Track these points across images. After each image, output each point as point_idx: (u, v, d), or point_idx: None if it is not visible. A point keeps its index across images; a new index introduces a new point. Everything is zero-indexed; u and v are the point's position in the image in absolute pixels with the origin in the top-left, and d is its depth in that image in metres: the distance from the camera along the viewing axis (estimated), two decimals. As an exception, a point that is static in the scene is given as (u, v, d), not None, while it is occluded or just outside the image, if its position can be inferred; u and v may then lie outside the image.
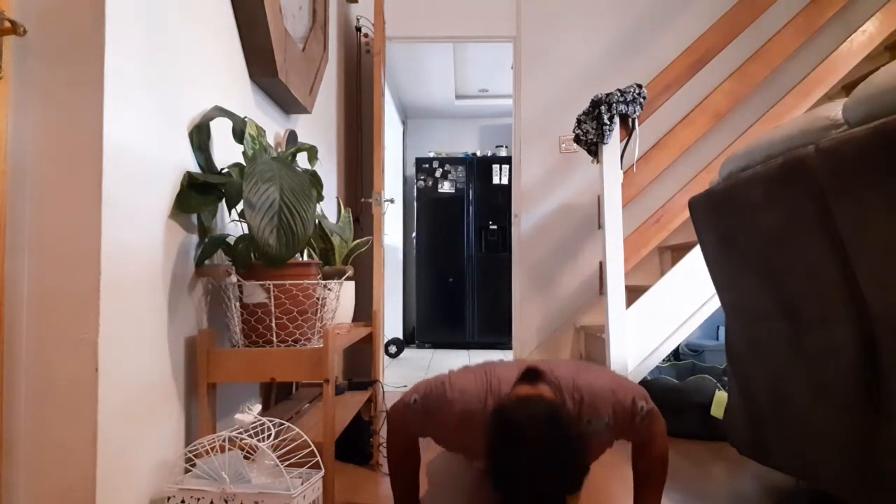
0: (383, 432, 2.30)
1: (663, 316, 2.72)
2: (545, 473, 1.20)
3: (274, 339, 1.56)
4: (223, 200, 1.58)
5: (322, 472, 1.45)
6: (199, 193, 1.53)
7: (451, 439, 1.50)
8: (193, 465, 1.37)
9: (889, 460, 1.24)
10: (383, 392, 2.40)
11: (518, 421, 1.24)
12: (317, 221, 1.72)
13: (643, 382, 2.73)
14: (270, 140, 2.21)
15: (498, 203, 5.92)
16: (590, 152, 2.83)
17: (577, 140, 2.84)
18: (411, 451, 1.58)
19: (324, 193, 2.16)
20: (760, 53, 2.97)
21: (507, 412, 1.29)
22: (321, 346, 1.56)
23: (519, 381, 1.42)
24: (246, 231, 1.56)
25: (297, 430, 1.47)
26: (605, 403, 1.41)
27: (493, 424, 1.29)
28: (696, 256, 2.73)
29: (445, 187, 6.04)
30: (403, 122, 6.57)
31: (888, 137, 1.12)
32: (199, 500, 1.30)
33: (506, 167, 5.95)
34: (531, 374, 1.44)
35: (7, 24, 1.13)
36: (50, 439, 1.18)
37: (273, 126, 2.28)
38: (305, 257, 2.20)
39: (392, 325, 5.75)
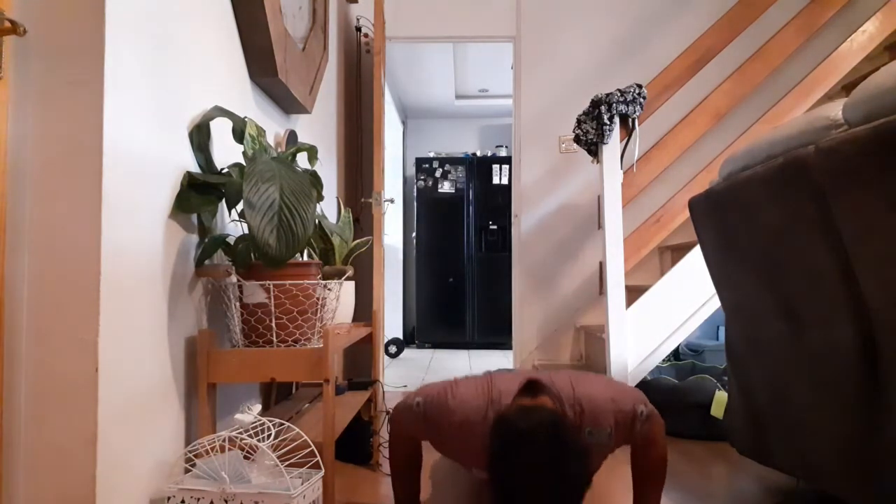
0: (383, 432, 2.31)
1: (663, 316, 2.72)
2: (546, 484, 1.20)
3: (274, 339, 1.56)
4: (223, 200, 1.58)
5: (322, 472, 1.45)
6: (199, 193, 1.53)
7: (450, 447, 1.50)
8: (193, 465, 1.37)
9: (889, 460, 1.24)
10: (383, 392, 2.40)
11: (519, 430, 1.24)
12: (317, 221, 1.72)
13: (643, 382, 2.73)
14: (270, 140, 2.21)
15: (498, 203, 5.92)
16: (590, 152, 2.83)
17: (577, 140, 2.84)
18: (414, 452, 1.58)
19: (324, 193, 2.16)
20: (760, 53, 2.97)
21: (508, 421, 1.28)
22: (321, 346, 1.56)
23: (520, 393, 1.42)
24: (246, 231, 1.56)
25: (297, 430, 1.47)
26: (606, 413, 1.41)
27: (494, 433, 1.28)
28: (696, 256, 2.72)
29: (445, 187, 6.04)
30: (403, 122, 6.57)
31: (888, 137, 1.12)
32: (198, 500, 1.30)
33: (506, 167, 5.95)
34: (532, 386, 1.44)
35: (7, 24, 1.13)
36: (50, 439, 1.18)
37: (273, 126, 2.28)
38: (305, 257, 2.20)
39: (392, 325, 5.75)
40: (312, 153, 1.89)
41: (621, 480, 2.02)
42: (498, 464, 1.25)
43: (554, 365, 3.57)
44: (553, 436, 1.23)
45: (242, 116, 1.63)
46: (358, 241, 2.38)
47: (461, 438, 1.43)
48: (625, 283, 2.69)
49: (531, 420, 1.26)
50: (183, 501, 1.31)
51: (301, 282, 1.57)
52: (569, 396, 1.42)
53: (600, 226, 3.69)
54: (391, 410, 1.57)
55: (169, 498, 1.32)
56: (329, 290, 1.76)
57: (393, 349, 5.22)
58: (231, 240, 1.61)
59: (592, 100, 2.75)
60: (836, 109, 1.34)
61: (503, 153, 6.15)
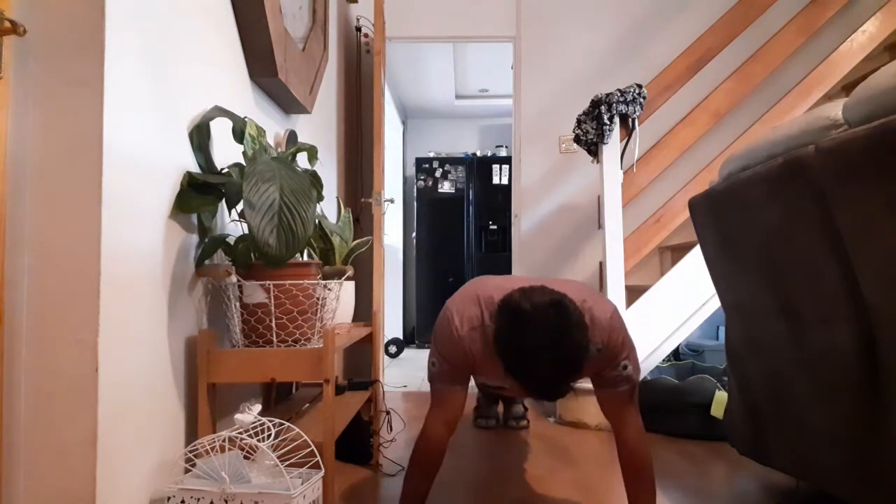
0: (383, 432, 2.31)
1: (663, 316, 2.72)
2: (549, 354, 1.28)
3: (274, 339, 1.56)
4: (223, 200, 1.58)
5: (322, 472, 1.45)
6: (199, 193, 1.53)
7: (471, 359, 1.54)
8: (193, 465, 1.37)
9: (889, 460, 1.24)
10: (383, 392, 2.40)
11: (524, 307, 1.33)
12: (317, 221, 1.72)
13: (643, 382, 2.73)
14: (270, 140, 2.21)
15: (498, 203, 5.92)
16: (590, 152, 2.83)
17: (577, 140, 2.84)
18: (440, 447, 1.59)
19: (324, 193, 2.16)
20: (760, 53, 2.97)
21: (513, 300, 1.37)
22: (321, 346, 1.56)
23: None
24: (246, 231, 1.56)
25: (297, 430, 1.47)
26: (601, 334, 1.47)
27: (501, 313, 1.37)
28: (696, 256, 2.72)
29: (445, 187, 6.04)
30: (403, 122, 6.57)
31: (888, 137, 1.12)
32: (199, 500, 1.30)
33: (506, 167, 5.95)
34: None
35: (7, 24, 1.13)
36: (50, 439, 1.17)
37: (273, 126, 2.28)
38: (305, 257, 2.20)
39: (392, 325, 5.75)
40: (312, 153, 1.89)
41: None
42: (505, 337, 1.34)
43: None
44: (556, 311, 1.31)
45: (242, 116, 1.63)
46: (358, 241, 2.38)
47: (474, 346, 1.50)
48: (625, 283, 2.69)
49: (535, 299, 1.34)
50: (183, 501, 1.31)
51: (301, 282, 1.57)
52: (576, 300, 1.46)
53: (600, 226, 3.69)
54: (431, 400, 1.61)
55: (169, 498, 1.32)
56: (329, 290, 1.76)
57: (393, 349, 5.22)
58: (231, 240, 1.61)
59: (592, 100, 2.75)
60: (836, 109, 1.34)
61: (503, 153, 6.14)
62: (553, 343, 1.29)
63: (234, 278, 1.57)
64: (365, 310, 2.94)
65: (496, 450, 2.40)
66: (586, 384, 2.69)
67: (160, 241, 1.42)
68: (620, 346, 1.51)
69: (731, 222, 1.68)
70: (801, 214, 1.38)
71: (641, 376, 2.70)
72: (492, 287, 1.54)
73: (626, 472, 1.57)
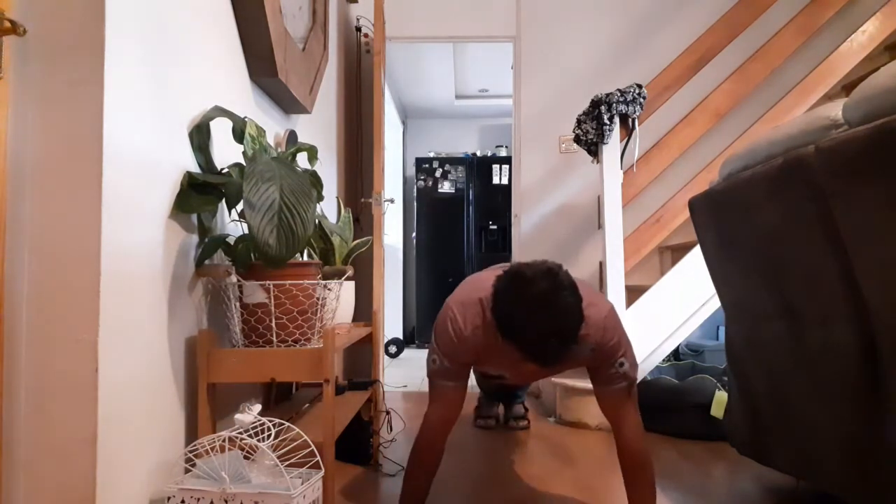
0: (383, 432, 2.31)
1: (663, 316, 2.72)
2: (547, 314, 1.31)
3: (274, 339, 1.56)
4: (223, 200, 1.58)
5: (322, 472, 1.45)
6: (199, 193, 1.53)
7: (476, 353, 1.56)
8: (193, 465, 1.37)
9: (889, 460, 1.24)
10: (383, 392, 2.40)
11: (521, 274, 1.37)
12: (317, 221, 1.72)
13: (643, 382, 2.73)
14: (270, 140, 2.21)
15: (498, 203, 5.92)
16: (590, 152, 2.83)
17: (577, 140, 2.84)
18: (439, 446, 1.61)
19: (324, 193, 2.16)
20: (760, 53, 2.97)
21: (510, 270, 1.41)
22: (321, 346, 1.56)
23: None
24: (246, 231, 1.56)
25: (297, 430, 1.47)
26: (595, 332, 1.48)
27: (498, 285, 1.41)
28: (696, 256, 2.72)
29: (445, 187, 6.03)
30: (403, 122, 6.57)
31: (888, 137, 1.12)
32: (199, 500, 1.30)
33: (506, 167, 5.95)
34: None
35: (7, 24, 1.13)
36: (50, 439, 1.17)
37: (273, 126, 2.28)
38: (305, 257, 2.19)
39: (392, 325, 5.75)
40: (312, 153, 1.89)
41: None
42: (502, 301, 1.38)
43: (554, 365, 3.56)
44: (551, 278, 1.35)
45: (242, 116, 1.63)
46: (358, 241, 2.38)
47: (478, 340, 1.52)
48: (625, 283, 2.69)
49: (531, 267, 1.39)
50: (183, 501, 1.31)
51: (301, 282, 1.57)
52: None
53: (600, 226, 3.69)
54: (429, 398, 1.62)
55: (169, 498, 1.31)
56: (329, 290, 1.76)
57: (393, 349, 5.22)
58: (231, 240, 1.61)
59: (592, 100, 2.75)
60: (836, 109, 1.34)
61: (503, 153, 6.14)
62: (548, 298, 1.33)
63: (234, 278, 1.57)
64: (365, 310, 2.94)
65: (496, 450, 2.40)
66: (586, 384, 2.70)
67: (160, 241, 1.42)
68: (616, 344, 1.52)
69: (731, 222, 1.68)
70: (801, 214, 1.38)
71: (641, 376, 2.70)
72: (490, 283, 1.54)
73: (626, 469, 1.57)
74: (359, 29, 3.84)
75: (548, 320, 1.32)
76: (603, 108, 2.70)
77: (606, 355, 1.52)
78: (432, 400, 1.61)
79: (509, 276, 1.40)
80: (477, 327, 1.52)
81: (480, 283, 1.58)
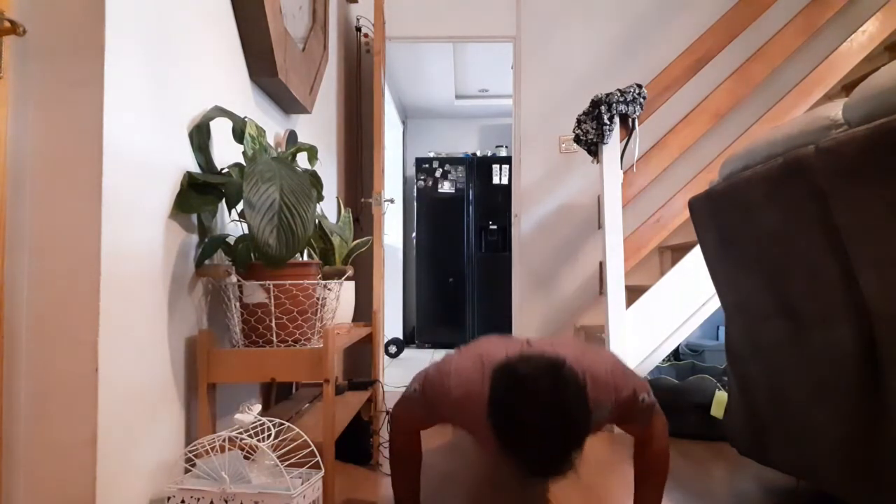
0: (383, 432, 2.31)
1: (663, 316, 2.72)
2: (548, 427, 1.16)
3: (274, 339, 1.56)
4: (223, 200, 1.58)
5: (322, 472, 1.45)
6: (199, 193, 1.53)
7: (458, 422, 1.49)
8: (193, 465, 1.37)
9: (889, 460, 1.24)
10: (383, 392, 2.40)
11: (521, 373, 1.21)
12: (317, 221, 1.72)
13: (643, 382, 2.73)
14: (270, 140, 2.21)
15: (498, 203, 5.92)
16: (590, 152, 2.83)
17: (577, 140, 2.84)
18: (413, 450, 1.58)
19: (324, 193, 2.16)
20: (760, 53, 2.97)
21: (510, 366, 1.24)
22: (321, 346, 1.56)
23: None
24: (246, 231, 1.56)
25: (297, 430, 1.47)
26: (607, 391, 1.39)
27: (495, 380, 1.24)
28: (696, 256, 2.73)
29: (445, 187, 6.03)
30: (403, 122, 6.57)
31: (888, 137, 1.12)
32: (199, 500, 1.30)
33: (506, 167, 5.95)
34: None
35: (7, 24, 1.13)
36: (50, 439, 1.18)
37: (273, 126, 2.28)
38: (305, 257, 2.20)
39: (392, 325, 5.75)
40: (312, 153, 1.89)
41: (621, 480, 2.02)
42: (499, 408, 1.21)
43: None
44: (554, 376, 1.19)
45: (242, 116, 1.63)
46: (358, 241, 2.38)
47: (465, 412, 1.40)
48: (625, 283, 2.69)
49: (532, 363, 1.22)
50: (183, 501, 1.31)
51: (301, 282, 1.57)
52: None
53: (600, 226, 3.69)
54: (391, 409, 1.57)
55: (169, 498, 1.32)
56: (329, 290, 1.76)
57: (393, 349, 5.22)
58: (231, 240, 1.61)
59: (592, 100, 2.75)
60: (836, 109, 1.34)
61: (503, 153, 6.14)
62: (552, 416, 1.17)
63: (234, 278, 1.57)
64: (365, 310, 2.94)
65: (496, 450, 2.40)
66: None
67: (160, 241, 1.42)
68: (632, 395, 1.42)
69: (731, 222, 1.68)
70: (801, 214, 1.38)
71: (641, 377, 2.70)
72: (497, 350, 1.43)
73: (640, 469, 1.54)
74: (359, 29, 3.84)
75: (553, 439, 1.16)
76: (603, 108, 2.70)
77: (627, 406, 1.43)
78: (396, 416, 1.54)
79: (506, 378, 1.23)
80: (469, 396, 1.38)
81: (487, 349, 1.45)
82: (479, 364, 1.41)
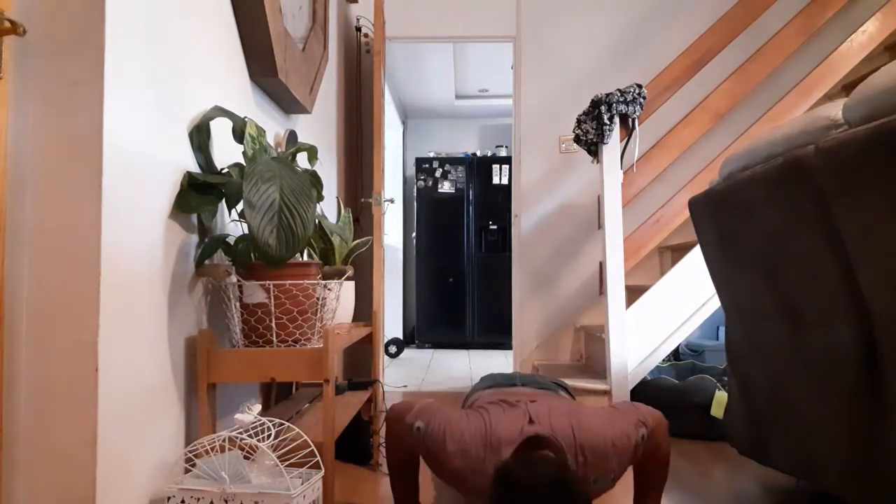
0: (383, 432, 2.31)
1: (663, 316, 2.72)
2: None
3: (274, 339, 1.56)
4: (223, 200, 1.58)
5: (322, 472, 1.45)
6: (199, 193, 1.53)
7: (450, 482, 1.46)
8: (193, 465, 1.37)
9: (889, 460, 1.24)
10: (383, 392, 2.40)
11: (523, 485, 1.19)
12: (317, 221, 1.72)
13: (643, 382, 2.73)
14: (270, 140, 2.21)
15: (498, 203, 5.92)
16: (590, 152, 2.83)
17: (577, 140, 2.84)
18: (411, 452, 1.58)
19: (324, 193, 2.16)
20: (760, 53, 2.96)
21: (512, 476, 1.22)
22: (321, 346, 1.56)
23: (521, 447, 1.36)
24: (246, 231, 1.56)
25: (297, 430, 1.47)
26: (609, 459, 1.39)
27: (497, 487, 1.23)
28: (696, 256, 2.72)
29: (445, 187, 6.04)
30: (403, 122, 6.57)
31: (888, 137, 1.12)
32: (199, 500, 1.30)
33: (506, 167, 5.95)
34: (534, 442, 1.37)
35: (7, 24, 1.13)
36: (50, 439, 1.18)
37: (273, 126, 2.28)
38: (305, 257, 2.20)
39: (392, 325, 5.75)
40: (312, 153, 1.89)
41: (621, 478, 2.01)
42: None
43: (554, 365, 3.57)
44: (558, 493, 1.17)
45: (242, 116, 1.63)
46: (358, 241, 2.38)
47: (462, 483, 1.40)
48: (625, 283, 2.69)
49: (535, 475, 1.20)
50: (183, 501, 1.31)
51: (301, 282, 1.57)
52: (570, 445, 1.38)
53: (600, 226, 3.69)
54: (388, 411, 1.57)
55: (169, 498, 1.32)
56: (329, 290, 1.76)
57: (393, 349, 5.22)
58: (231, 240, 1.61)
59: (592, 100, 2.75)
60: (836, 109, 1.34)
61: (503, 153, 6.14)
62: None
63: (234, 278, 1.57)
64: (365, 310, 2.94)
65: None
66: (586, 384, 2.70)
67: (160, 241, 1.42)
68: (633, 447, 1.43)
69: (731, 222, 1.68)
70: (801, 214, 1.38)
71: (642, 376, 2.70)
72: (502, 427, 1.41)
73: (640, 470, 1.54)
74: (359, 29, 3.84)
75: None
76: (603, 108, 2.70)
77: (632, 457, 1.43)
78: (393, 430, 1.53)
79: (506, 490, 1.20)
80: (478, 472, 1.36)
81: (496, 437, 1.40)
82: (483, 442, 1.39)
